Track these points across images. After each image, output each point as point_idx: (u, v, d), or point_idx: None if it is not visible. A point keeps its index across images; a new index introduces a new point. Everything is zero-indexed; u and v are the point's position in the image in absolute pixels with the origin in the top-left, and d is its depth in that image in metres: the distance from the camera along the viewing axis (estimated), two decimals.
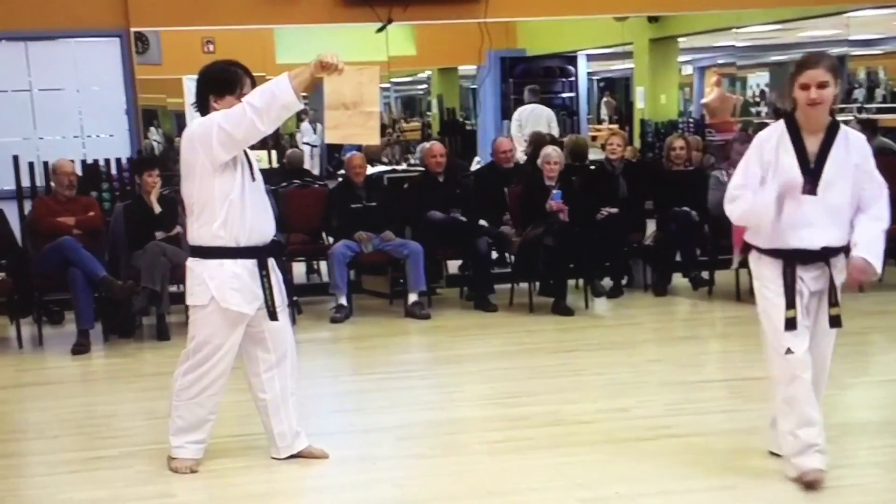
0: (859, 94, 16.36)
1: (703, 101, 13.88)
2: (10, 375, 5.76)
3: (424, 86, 19.60)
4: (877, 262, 3.44)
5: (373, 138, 3.77)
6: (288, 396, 3.99)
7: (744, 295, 6.92)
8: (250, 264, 3.78)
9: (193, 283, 3.81)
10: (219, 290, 3.73)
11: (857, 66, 17.35)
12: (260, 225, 3.81)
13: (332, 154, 15.89)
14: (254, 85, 3.75)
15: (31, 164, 7.14)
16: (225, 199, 3.70)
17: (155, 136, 15.73)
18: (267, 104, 3.56)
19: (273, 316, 3.83)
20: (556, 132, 11.28)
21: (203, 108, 3.80)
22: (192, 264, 3.82)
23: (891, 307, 6.72)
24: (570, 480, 3.73)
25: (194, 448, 3.96)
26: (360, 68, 3.64)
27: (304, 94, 3.63)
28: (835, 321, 3.50)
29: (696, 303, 7.15)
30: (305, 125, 15.41)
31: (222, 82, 3.77)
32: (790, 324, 3.44)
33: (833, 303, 3.49)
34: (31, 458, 4.37)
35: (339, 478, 3.90)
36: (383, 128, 14.90)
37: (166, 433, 4.00)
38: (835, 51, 17.05)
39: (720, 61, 15.39)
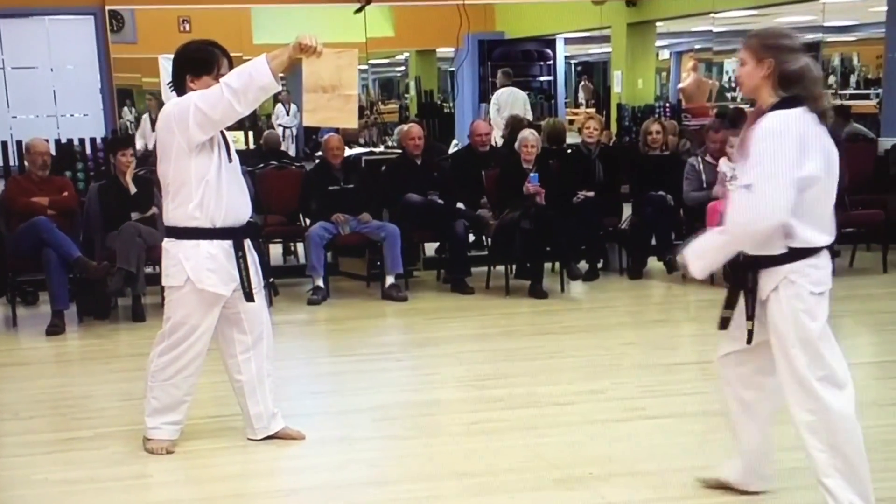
0: (833, 80, 16.47)
1: (680, 85, 13.93)
2: None
3: (402, 68, 19.52)
4: (691, 261, 3.14)
5: (351, 122, 3.77)
6: (264, 378, 4.00)
7: (718, 279, 6.98)
8: (226, 245, 3.78)
9: (169, 264, 3.80)
10: (194, 271, 3.73)
11: (832, 53, 17.46)
12: (236, 206, 3.80)
13: (310, 136, 15.83)
14: (231, 65, 3.73)
15: (3, 143, 7.07)
16: (201, 180, 3.68)
17: (128, 115, 15.57)
18: (244, 85, 3.54)
19: (249, 297, 3.83)
20: (529, 116, 11.30)
21: (179, 88, 3.77)
22: (168, 245, 3.81)
23: (859, 291, 6.81)
24: (545, 461, 3.77)
25: (170, 429, 3.96)
26: (338, 51, 3.63)
27: (280, 75, 3.62)
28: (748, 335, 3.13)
29: (671, 286, 7.22)
30: (279, 107, 15.33)
31: (199, 62, 3.75)
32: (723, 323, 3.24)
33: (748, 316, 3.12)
34: (5, 439, 4.35)
35: (315, 458, 3.92)
36: (361, 110, 14.85)
37: (141, 414, 4.00)
38: (809, 37, 17.15)
39: (697, 46, 15.43)
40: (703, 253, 3.14)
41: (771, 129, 2.94)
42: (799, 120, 2.96)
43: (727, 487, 3.43)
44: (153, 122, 11.95)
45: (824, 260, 3.07)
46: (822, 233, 3.04)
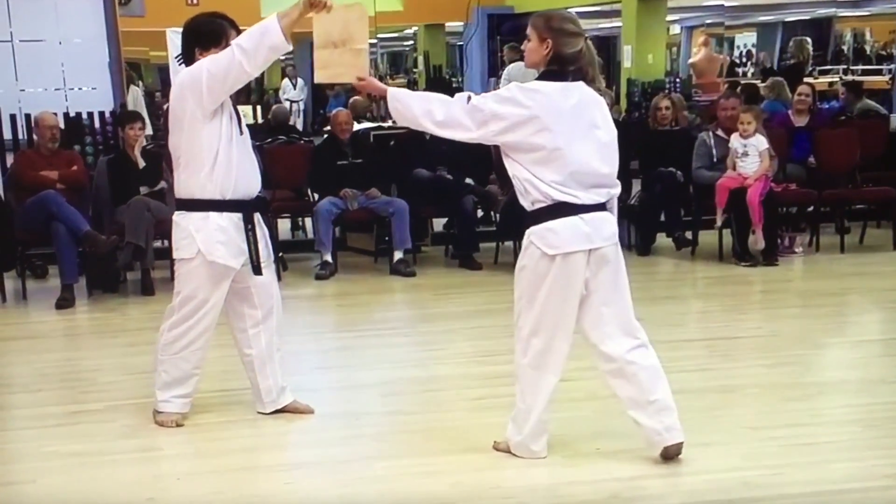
0: (846, 55, 16.32)
1: (691, 61, 13.85)
2: None
3: (410, 42, 19.45)
4: None
5: (363, 75, 3.76)
6: (274, 352, 4.01)
7: (726, 255, 6.98)
8: (236, 218, 3.78)
9: (180, 237, 3.80)
10: (205, 244, 3.73)
11: (844, 28, 17.29)
12: (246, 178, 3.80)
13: (318, 111, 15.80)
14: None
15: (12, 117, 7.06)
16: (212, 150, 3.68)
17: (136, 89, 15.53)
18: (255, 45, 3.53)
19: (258, 270, 3.84)
20: None
21: (189, 60, 3.77)
22: (178, 218, 3.81)
23: (868, 269, 6.79)
24: (552, 437, 3.77)
25: (180, 402, 3.98)
26: (348, 6, 3.61)
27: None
28: None
29: (679, 263, 7.21)
30: (286, 81, 15.30)
31: (207, 35, 3.74)
32: None
33: None
34: (15, 412, 4.39)
35: (323, 433, 3.94)
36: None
37: (150, 388, 4.02)
38: (822, 12, 17.01)
39: (708, 21, 15.30)
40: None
41: None
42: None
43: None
44: (145, 94, 11.96)
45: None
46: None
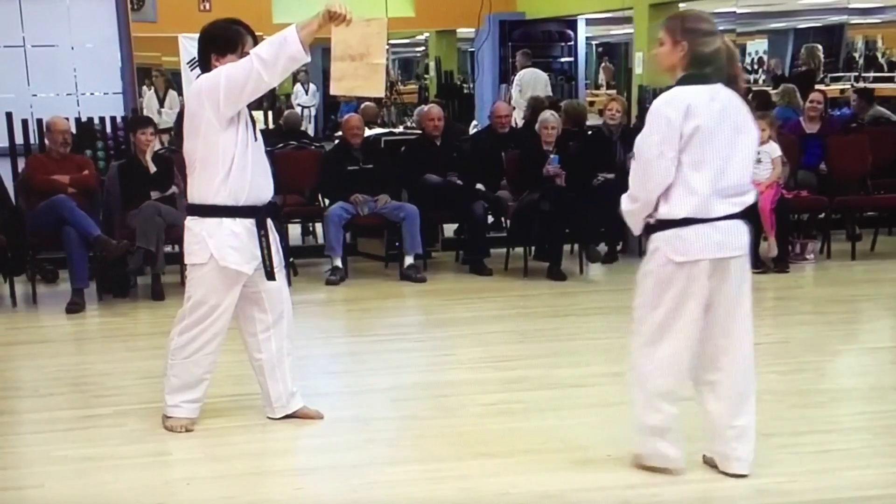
0: (857, 63, 16.25)
1: None
2: (4, 333, 5.77)
3: (422, 48, 19.47)
4: None
5: (378, 90, 3.78)
6: (284, 357, 4.01)
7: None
8: (249, 224, 3.78)
9: (192, 242, 3.80)
10: (218, 249, 3.73)
11: (856, 35, 17.24)
12: (260, 184, 3.80)
13: (329, 116, 15.82)
14: (255, 43, 3.72)
15: (24, 122, 7.09)
16: (227, 156, 3.69)
17: (148, 94, 15.57)
18: (274, 56, 3.53)
19: (270, 276, 3.84)
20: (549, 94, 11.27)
21: (205, 66, 3.78)
22: (191, 223, 3.81)
23: (880, 276, 6.76)
24: (563, 443, 3.76)
25: (189, 407, 3.97)
26: (367, 20, 3.62)
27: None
28: None
29: None
30: (298, 87, 15.33)
31: (224, 41, 3.75)
32: None
33: None
34: (25, 416, 4.39)
35: (333, 438, 3.92)
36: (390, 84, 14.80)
37: (160, 392, 4.02)
38: (833, 19, 16.95)
39: (719, 28, 15.28)
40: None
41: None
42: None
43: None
44: (160, 100, 12.05)
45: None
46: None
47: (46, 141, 6.68)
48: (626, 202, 3.32)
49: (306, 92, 15.43)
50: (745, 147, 3.23)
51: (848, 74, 15.78)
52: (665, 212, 3.21)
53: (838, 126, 8.29)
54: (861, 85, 13.23)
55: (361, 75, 3.60)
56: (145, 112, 11.30)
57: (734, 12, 13.03)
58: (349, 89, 3.74)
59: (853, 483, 3.35)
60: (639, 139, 3.25)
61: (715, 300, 3.25)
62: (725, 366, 3.31)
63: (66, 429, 4.08)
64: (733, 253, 3.23)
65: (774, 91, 10.34)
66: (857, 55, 16.90)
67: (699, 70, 3.19)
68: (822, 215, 7.44)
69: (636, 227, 3.35)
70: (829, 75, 15.38)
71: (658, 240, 3.25)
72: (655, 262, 3.26)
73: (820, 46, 15.68)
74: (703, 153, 3.15)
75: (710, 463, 3.45)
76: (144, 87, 12.41)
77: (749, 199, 3.27)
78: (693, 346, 3.30)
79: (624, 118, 7.83)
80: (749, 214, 3.27)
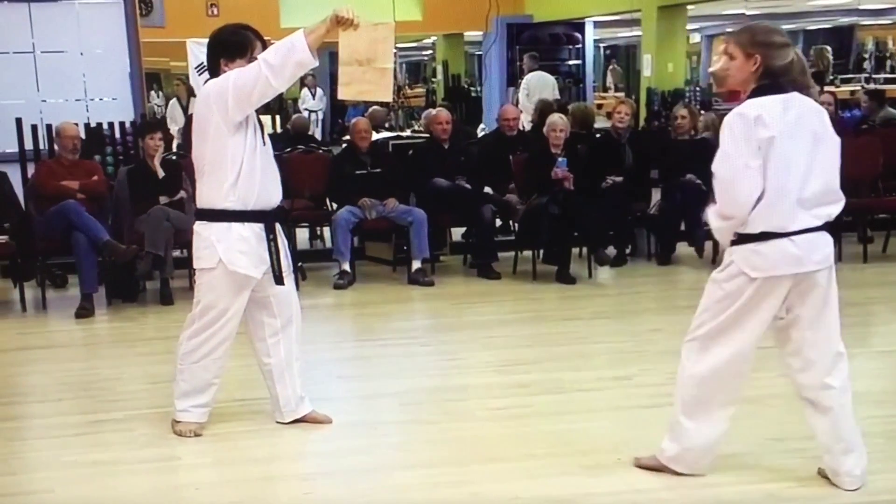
0: (867, 64, 16.21)
1: (711, 69, 13.78)
2: (14, 338, 5.79)
3: (429, 51, 19.48)
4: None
5: (386, 95, 3.76)
6: (293, 361, 4.00)
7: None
8: (258, 228, 3.78)
9: (201, 247, 3.80)
10: (227, 253, 3.73)
11: (866, 36, 17.18)
12: (268, 189, 3.80)
13: (336, 120, 15.84)
14: (264, 48, 3.72)
15: (34, 127, 7.11)
16: (236, 161, 3.69)
17: (156, 99, 15.67)
18: (282, 61, 3.53)
19: (279, 280, 3.84)
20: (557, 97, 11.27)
21: (214, 72, 3.78)
22: (200, 228, 3.82)
23: (891, 278, 6.73)
24: (572, 448, 3.75)
25: (198, 412, 3.97)
26: (375, 24, 3.62)
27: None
28: None
29: (700, 272, 7.14)
30: (305, 91, 15.35)
31: (233, 46, 3.75)
32: None
33: None
34: (35, 421, 4.40)
35: (342, 442, 3.92)
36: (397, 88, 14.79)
37: (169, 397, 4.02)
38: (843, 20, 16.89)
39: (729, 30, 15.22)
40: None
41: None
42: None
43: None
44: (184, 108, 12.09)
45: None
46: None
47: (56, 146, 6.70)
48: (715, 220, 3.24)
49: (313, 96, 15.45)
50: (827, 156, 3.16)
51: (858, 76, 15.73)
52: (741, 227, 3.15)
53: (849, 128, 8.25)
54: (872, 86, 13.18)
55: (369, 80, 3.60)
56: (169, 121, 11.34)
57: (744, 14, 13.00)
58: (357, 94, 3.74)
59: (865, 488, 3.32)
60: (717, 158, 3.16)
61: (798, 314, 3.21)
62: (811, 381, 3.27)
63: (75, 433, 4.08)
64: (812, 268, 3.15)
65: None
66: (867, 56, 16.82)
67: (773, 81, 3.13)
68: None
69: (726, 243, 3.29)
70: (839, 77, 15.33)
71: (735, 253, 3.19)
72: (728, 273, 3.21)
73: (829, 48, 15.65)
74: (779, 164, 3.08)
75: (823, 475, 3.39)
76: (154, 95, 12.44)
77: (834, 210, 3.19)
78: (740, 364, 3.28)
79: (632, 121, 7.82)
80: (832, 226, 3.19)
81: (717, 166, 3.17)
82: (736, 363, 3.28)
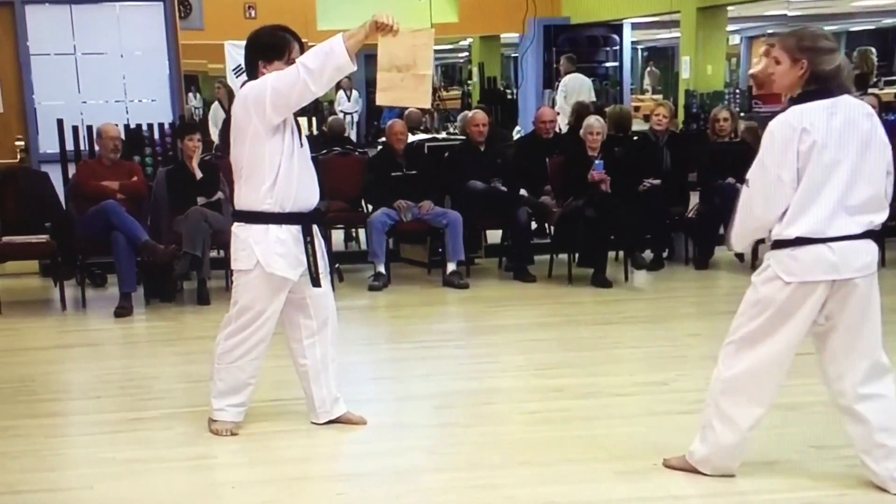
0: None
1: (751, 71, 13.62)
2: (54, 337, 5.87)
3: (465, 54, 19.48)
4: None
5: (424, 101, 3.76)
6: (328, 363, 4.01)
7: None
8: (295, 230, 3.79)
9: (238, 248, 3.82)
10: (264, 255, 3.75)
11: None
12: (306, 191, 3.81)
13: (371, 122, 15.89)
14: (302, 50, 3.73)
15: (74, 128, 7.21)
16: (274, 163, 3.70)
17: (193, 101, 15.80)
18: (321, 65, 3.54)
19: (316, 282, 3.85)
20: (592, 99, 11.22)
21: (252, 73, 3.80)
22: (237, 230, 3.84)
23: None
24: (606, 452, 3.72)
25: (235, 411, 4.00)
26: (414, 31, 3.61)
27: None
28: None
29: (738, 277, 7.05)
30: (341, 94, 15.42)
31: (271, 47, 3.76)
32: None
33: None
34: (73, 418, 4.45)
35: (376, 444, 3.92)
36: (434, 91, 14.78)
37: (206, 396, 4.05)
38: (887, 21, 16.61)
39: (769, 31, 15.08)
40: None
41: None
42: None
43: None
44: (226, 110, 12.19)
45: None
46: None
47: (97, 147, 6.77)
48: (738, 223, 3.27)
49: (349, 99, 15.53)
50: (875, 161, 3.11)
51: None
52: (777, 231, 3.14)
53: (893, 130, 8.11)
54: None
55: (408, 86, 3.59)
56: (211, 124, 11.43)
57: (785, 15, 12.84)
58: (395, 100, 3.74)
59: None
60: (755, 164, 3.16)
61: (836, 322, 3.17)
62: (845, 389, 3.23)
63: (113, 431, 4.13)
64: (850, 275, 3.10)
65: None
66: None
67: (820, 86, 3.09)
68: None
69: (739, 246, 3.32)
70: (884, 79, 15.10)
71: (772, 258, 3.19)
72: (764, 276, 3.20)
73: (874, 49, 15.40)
74: (818, 170, 3.05)
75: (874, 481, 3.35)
76: (192, 97, 12.51)
77: (877, 218, 3.13)
78: (775, 368, 3.24)
79: (671, 123, 7.75)
80: (875, 234, 3.14)
81: (751, 173, 3.17)
82: (770, 367, 3.24)
